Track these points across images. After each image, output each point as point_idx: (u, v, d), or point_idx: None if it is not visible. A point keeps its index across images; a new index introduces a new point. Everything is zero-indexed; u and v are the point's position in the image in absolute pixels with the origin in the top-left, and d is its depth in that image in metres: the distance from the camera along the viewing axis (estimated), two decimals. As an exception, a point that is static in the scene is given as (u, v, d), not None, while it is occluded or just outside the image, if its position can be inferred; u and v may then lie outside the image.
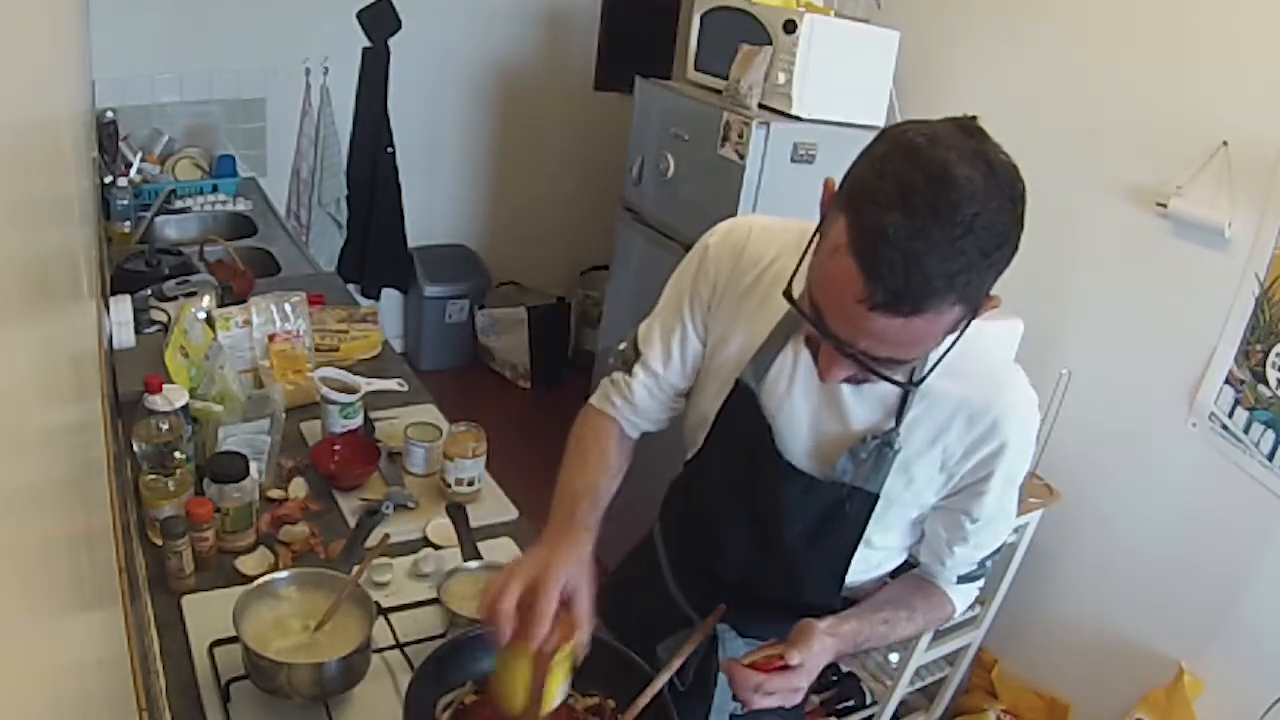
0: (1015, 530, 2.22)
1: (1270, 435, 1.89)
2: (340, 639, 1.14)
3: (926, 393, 1.02)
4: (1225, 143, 1.93)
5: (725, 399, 1.12)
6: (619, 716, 1.09)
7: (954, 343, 0.90)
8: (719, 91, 2.49)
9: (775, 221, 1.15)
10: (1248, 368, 1.93)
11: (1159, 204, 2.05)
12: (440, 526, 1.49)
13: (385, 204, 3.70)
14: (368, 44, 3.44)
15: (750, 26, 2.42)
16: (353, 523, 1.46)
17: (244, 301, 1.83)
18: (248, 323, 1.78)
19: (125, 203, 2.53)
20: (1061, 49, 2.31)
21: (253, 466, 1.38)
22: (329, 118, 3.43)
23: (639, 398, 1.21)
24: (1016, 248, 0.83)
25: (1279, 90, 1.86)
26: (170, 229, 2.77)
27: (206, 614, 1.22)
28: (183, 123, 3.15)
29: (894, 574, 1.22)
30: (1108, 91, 2.20)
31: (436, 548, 1.45)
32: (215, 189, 2.97)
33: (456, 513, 1.51)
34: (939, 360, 0.94)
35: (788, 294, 0.92)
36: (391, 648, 1.24)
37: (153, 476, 1.32)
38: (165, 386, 1.36)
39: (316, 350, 1.87)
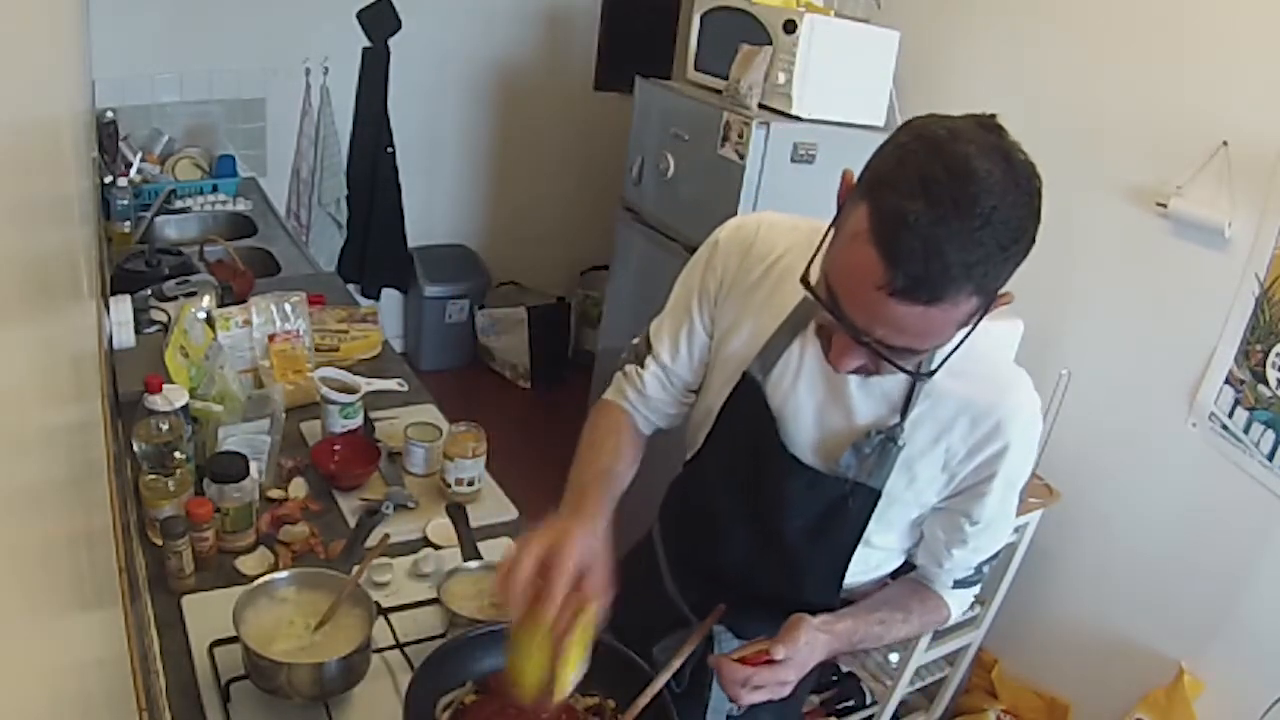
0: (1015, 530, 2.22)
1: (1270, 435, 1.89)
2: (340, 639, 1.14)
3: (931, 391, 1.02)
4: (1225, 143, 1.93)
5: (731, 392, 1.13)
6: (619, 716, 1.09)
7: (965, 337, 0.90)
8: (719, 91, 2.49)
9: (785, 218, 1.15)
10: (1248, 368, 1.93)
11: (1159, 204, 2.05)
12: (440, 526, 1.49)
13: (385, 204, 3.70)
14: (368, 44, 3.44)
15: (750, 26, 2.42)
16: (353, 523, 1.46)
17: (244, 301, 1.83)
18: (248, 323, 1.78)
19: (125, 203, 2.53)
20: (1062, 49, 2.31)
21: (253, 466, 1.38)
22: (329, 118, 3.43)
23: (650, 389, 1.22)
24: (1033, 242, 0.84)
25: (1279, 90, 1.86)
26: (170, 229, 2.77)
27: (206, 614, 1.22)
28: (183, 123, 3.15)
29: (892, 577, 1.22)
30: (1108, 91, 2.20)
31: (436, 548, 1.45)
32: (215, 189, 2.97)
33: (456, 513, 1.51)
34: (950, 354, 0.94)
35: (805, 280, 0.92)
36: (391, 648, 1.24)
37: (153, 476, 1.32)
38: (165, 386, 1.36)
39: (316, 350, 1.87)
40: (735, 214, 2.24)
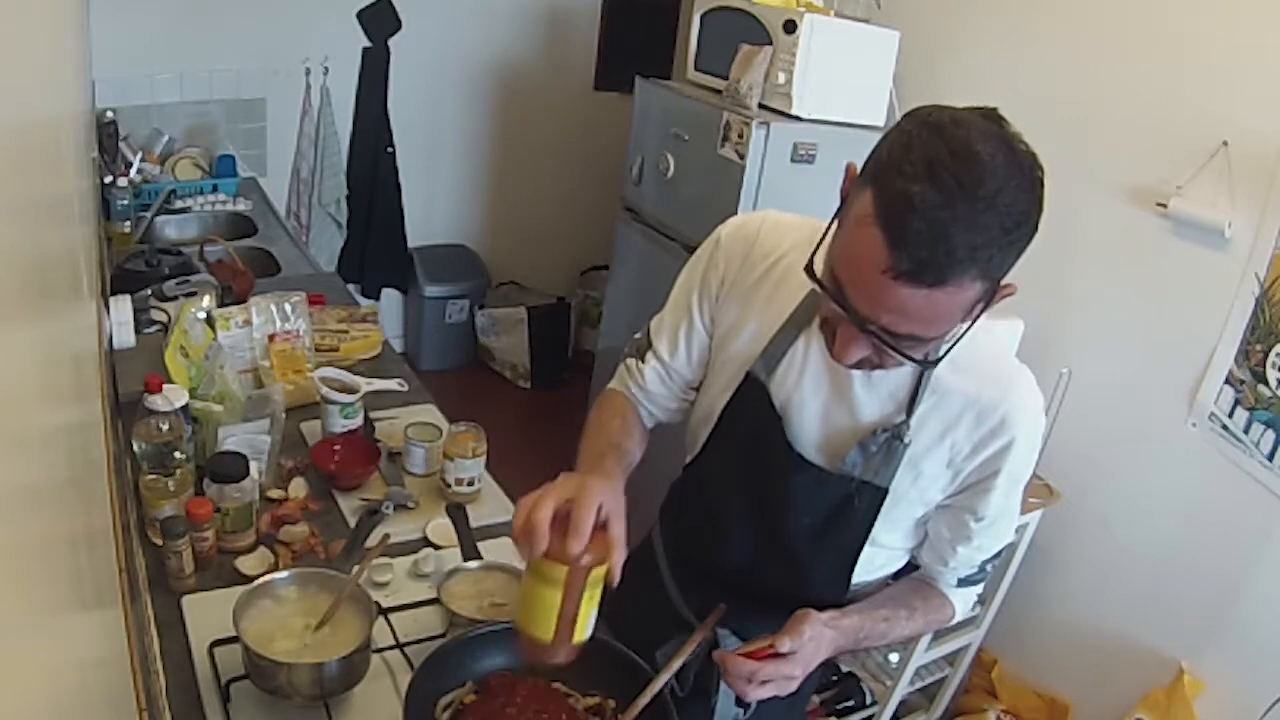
0: (1016, 530, 2.22)
1: (1270, 435, 1.89)
2: (340, 639, 1.14)
3: (936, 388, 1.02)
4: (1225, 143, 1.93)
5: (734, 392, 1.13)
6: (619, 717, 1.09)
7: (969, 327, 0.90)
8: (719, 91, 2.49)
9: (788, 217, 1.15)
10: (1248, 368, 1.93)
11: (1159, 204, 2.05)
12: (440, 526, 1.49)
13: (385, 204, 3.70)
14: (368, 44, 3.44)
15: (750, 26, 2.42)
16: (353, 523, 1.46)
17: (244, 301, 1.83)
18: (248, 323, 1.78)
19: (125, 203, 2.53)
20: (1062, 49, 2.31)
21: (253, 466, 1.38)
22: (329, 118, 3.43)
23: (650, 383, 1.22)
24: (1036, 228, 0.85)
25: (1279, 90, 1.86)
26: (170, 229, 2.77)
27: (206, 614, 1.22)
28: (183, 123, 3.15)
29: (896, 576, 1.22)
30: (1108, 91, 2.20)
31: (436, 548, 1.45)
32: (215, 189, 2.97)
33: (456, 513, 1.51)
34: (955, 342, 0.93)
35: (809, 269, 0.92)
36: (391, 648, 1.23)
37: (153, 476, 1.32)
38: (165, 386, 1.36)
39: (316, 350, 1.87)
40: (735, 214, 2.24)
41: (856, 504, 1.07)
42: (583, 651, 0.95)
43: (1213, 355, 2.01)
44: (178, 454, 1.35)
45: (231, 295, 1.99)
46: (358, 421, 1.65)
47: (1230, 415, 1.98)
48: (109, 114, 2.83)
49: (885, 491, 1.06)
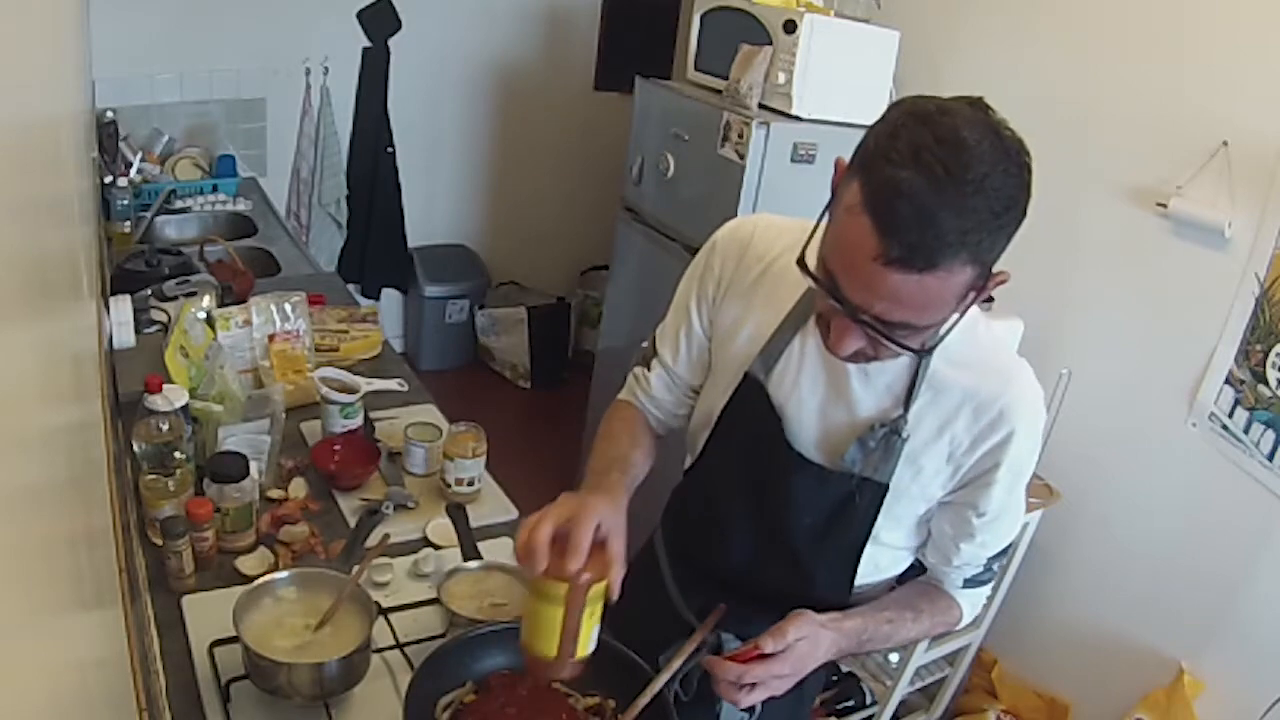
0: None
1: (1270, 435, 1.89)
2: (340, 639, 1.14)
3: (934, 382, 1.02)
4: (1225, 143, 1.93)
5: (733, 393, 1.13)
6: (619, 717, 1.08)
7: (962, 315, 0.90)
8: (719, 91, 2.49)
9: (783, 220, 1.16)
10: (1248, 368, 1.93)
11: (1159, 204, 2.05)
12: (440, 526, 1.49)
13: (385, 204, 3.70)
14: (368, 44, 3.44)
15: (750, 26, 2.42)
16: (353, 523, 1.46)
17: (244, 301, 1.83)
18: (248, 323, 1.78)
19: (125, 203, 2.53)
20: (1062, 49, 2.31)
21: (253, 466, 1.38)
22: (329, 118, 3.43)
23: (656, 391, 1.24)
24: (1025, 212, 0.85)
25: (1279, 90, 1.86)
26: (170, 229, 2.77)
27: (206, 614, 1.22)
28: (183, 123, 3.15)
29: (900, 580, 1.22)
30: (1108, 91, 2.20)
31: (436, 548, 1.45)
32: (215, 189, 2.97)
33: (456, 513, 1.51)
34: (949, 330, 0.93)
35: (801, 262, 0.93)
36: (391, 648, 1.24)
37: (153, 476, 1.32)
38: (165, 386, 1.36)
39: (316, 350, 1.87)
40: (735, 214, 2.25)
41: (857, 501, 1.07)
42: (587, 665, 0.97)
43: (1213, 355, 2.01)
44: (178, 454, 1.35)
45: (231, 295, 1.99)
46: (358, 421, 1.66)
47: (1230, 415, 1.98)
48: (109, 114, 2.83)
49: (886, 488, 1.06)
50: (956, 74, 2.57)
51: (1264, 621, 1.95)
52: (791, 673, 1.01)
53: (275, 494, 1.51)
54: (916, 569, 1.20)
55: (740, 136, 2.29)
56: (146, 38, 2.97)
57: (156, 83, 3.07)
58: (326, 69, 3.36)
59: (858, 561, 1.12)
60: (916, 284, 0.83)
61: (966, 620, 1.18)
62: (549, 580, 0.92)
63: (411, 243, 3.85)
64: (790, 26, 2.29)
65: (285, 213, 3.48)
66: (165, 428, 1.35)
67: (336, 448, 1.60)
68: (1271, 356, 1.89)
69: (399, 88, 3.54)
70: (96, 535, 0.79)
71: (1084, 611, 2.35)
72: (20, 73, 0.54)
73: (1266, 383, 1.90)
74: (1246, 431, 1.94)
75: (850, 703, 2.39)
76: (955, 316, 0.91)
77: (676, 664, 1.11)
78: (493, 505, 1.57)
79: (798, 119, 2.33)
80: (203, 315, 1.75)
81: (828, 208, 0.92)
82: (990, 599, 2.35)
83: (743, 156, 2.29)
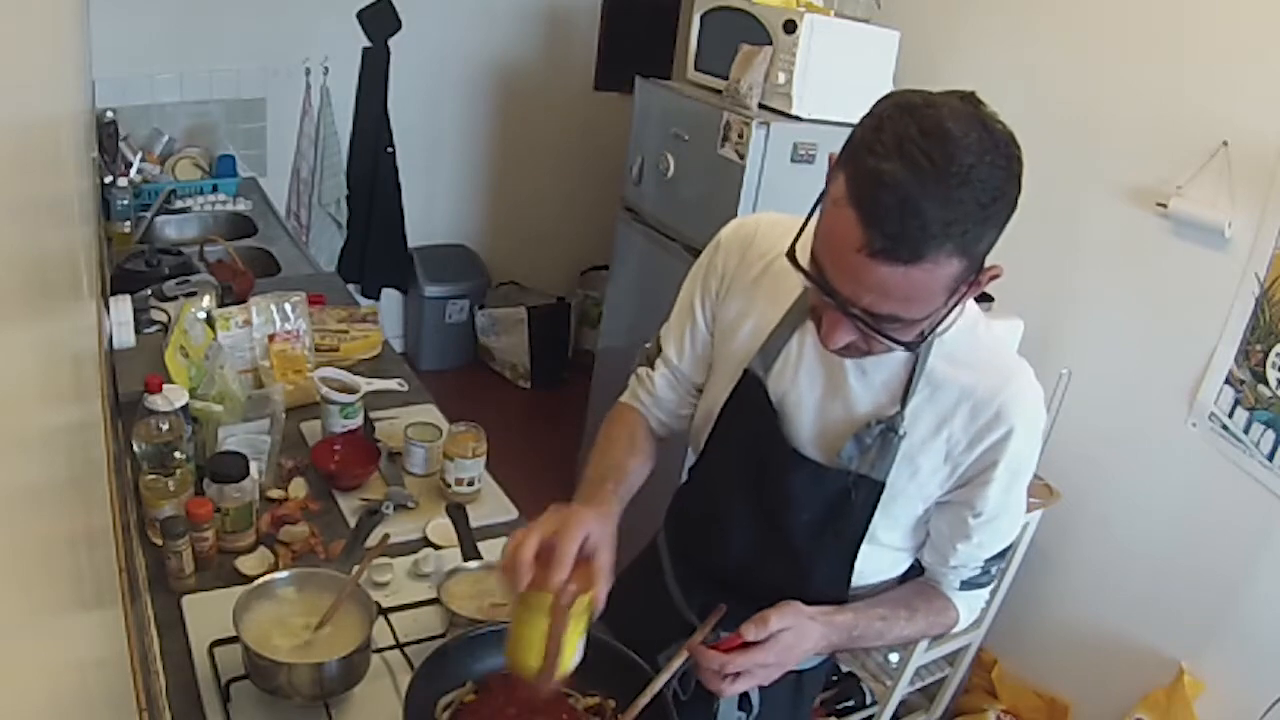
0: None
1: (1270, 435, 1.89)
2: (340, 639, 1.14)
3: (932, 380, 1.02)
4: (1225, 143, 1.93)
5: (733, 389, 1.13)
6: (619, 717, 1.09)
7: (953, 308, 0.90)
8: (719, 91, 2.49)
9: (787, 218, 1.16)
10: (1248, 368, 1.93)
11: (1159, 204, 2.05)
12: (440, 526, 1.49)
13: (385, 204, 3.70)
14: (368, 44, 3.44)
15: (750, 26, 2.42)
16: (353, 523, 1.46)
17: (244, 301, 1.83)
18: (248, 323, 1.78)
19: (125, 203, 2.53)
20: (1062, 49, 2.31)
21: (253, 466, 1.38)
22: (329, 118, 3.43)
23: (660, 390, 1.25)
24: (1014, 205, 0.85)
25: (1279, 90, 1.86)
26: (170, 229, 2.77)
27: (206, 614, 1.22)
28: (183, 123, 3.15)
29: (901, 580, 1.21)
30: (1108, 91, 2.20)
31: (436, 548, 1.45)
32: (215, 189, 2.97)
33: (456, 513, 1.51)
34: (940, 322, 0.92)
35: (790, 255, 0.92)
36: (391, 648, 1.24)
37: (153, 476, 1.32)
38: (165, 386, 1.36)
39: (316, 350, 1.87)
40: (735, 214, 2.24)
41: (854, 498, 1.07)
42: (571, 678, 0.97)
43: (1213, 355, 2.01)
44: (178, 454, 1.35)
45: (231, 295, 1.99)
46: (358, 421, 1.66)
47: (1230, 415, 1.98)
48: (109, 114, 2.83)
49: (882, 485, 1.06)
50: (956, 74, 2.57)
51: (1264, 621, 1.95)
52: (776, 662, 1.01)
53: (275, 494, 1.51)
54: (917, 570, 1.20)
55: (740, 136, 2.29)
56: (146, 38, 2.97)
57: (156, 83, 3.07)
58: (326, 69, 3.36)
59: (855, 559, 1.12)
60: (903, 275, 0.83)
61: (964, 624, 1.18)
62: (533, 593, 0.92)
63: (411, 243, 3.85)
64: (790, 26, 2.29)
65: (285, 213, 3.48)
66: (165, 428, 1.35)
67: (336, 448, 1.60)
68: (1271, 356, 1.89)
69: (399, 88, 3.54)
70: (96, 535, 0.79)
71: (1084, 611, 2.35)
72: (20, 73, 0.54)
73: (1266, 383, 1.90)
74: (1246, 431, 1.94)
75: (850, 703, 2.39)
76: (949, 313, 0.90)
77: (676, 664, 1.11)
78: (493, 505, 1.57)
79: (798, 119, 2.33)
80: (203, 315, 1.75)
81: (818, 202, 0.92)
82: (990, 599, 2.35)
83: (743, 156, 2.29)
